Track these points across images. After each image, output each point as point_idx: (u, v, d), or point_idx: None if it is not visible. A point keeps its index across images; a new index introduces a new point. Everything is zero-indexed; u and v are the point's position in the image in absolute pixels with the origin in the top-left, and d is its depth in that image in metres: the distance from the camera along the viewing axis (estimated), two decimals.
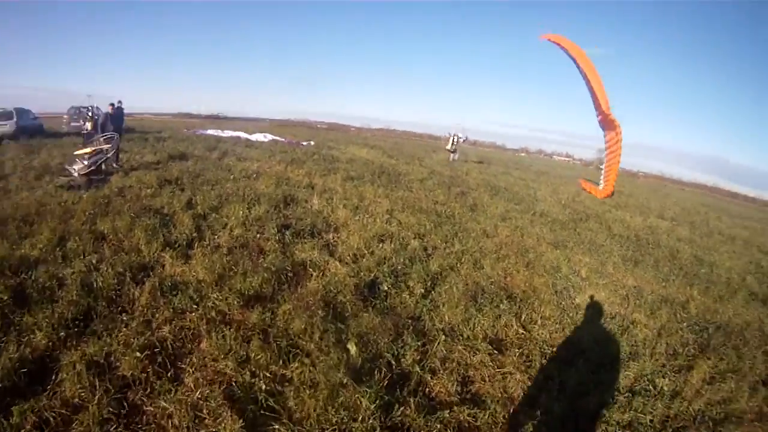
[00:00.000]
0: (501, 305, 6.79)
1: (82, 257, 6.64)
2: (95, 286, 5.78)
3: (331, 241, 8.77)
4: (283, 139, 31.24)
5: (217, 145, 23.39)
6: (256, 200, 10.87)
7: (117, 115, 20.58)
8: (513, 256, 9.50)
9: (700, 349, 6.58)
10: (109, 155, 13.51)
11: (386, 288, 6.86)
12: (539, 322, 6.56)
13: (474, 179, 22.43)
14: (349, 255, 7.97)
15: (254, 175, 14.54)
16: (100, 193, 10.58)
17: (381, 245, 8.66)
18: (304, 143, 30.58)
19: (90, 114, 21.83)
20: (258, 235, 8.46)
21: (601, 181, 25.95)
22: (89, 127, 20.27)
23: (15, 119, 22.99)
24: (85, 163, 12.57)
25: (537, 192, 21.34)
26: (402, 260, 8.02)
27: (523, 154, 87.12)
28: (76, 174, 12.38)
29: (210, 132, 32.36)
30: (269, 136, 31.56)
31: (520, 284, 8.03)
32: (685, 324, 7.44)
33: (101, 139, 13.99)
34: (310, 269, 7.17)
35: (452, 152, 31.23)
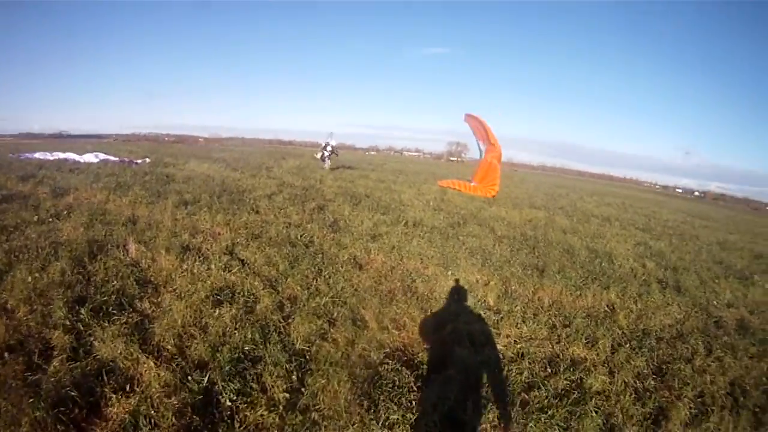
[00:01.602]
0: (412, 395, 4.50)
1: None
2: None
3: (148, 312, 5.99)
4: (116, 159, 26.97)
5: (36, 172, 18.90)
6: (53, 254, 7.77)
7: None
8: (400, 294, 7.24)
9: (658, 377, 5.61)
10: None
11: (229, 403, 4.23)
12: (469, 407, 4.40)
13: (329, 188, 19.44)
14: (170, 341, 5.22)
15: (65, 212, 11.09)
16: None
17: (218, 311, 5.97)
18: (138, 161, 26.68)
19: None
20: (42, 320, 5.56)
21: (475, 180, 25.38)
22: None
23: None
24: None
25: (402, 195, 19.08)
26: (250, 335, 5.39)
27: (373, 153, 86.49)
28: None
29: (37, 155, 27.22)
30: (101, 156, 27.14)
31: (423, 341, 5.83)
32: (627, 345, 6.32)
33: None
34: (109, 386, 4.36)
35: (322, 161, 29.64)
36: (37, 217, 10.47)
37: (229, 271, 7.40)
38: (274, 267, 7.83)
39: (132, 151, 36.11)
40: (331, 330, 5.74)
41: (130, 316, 5.70)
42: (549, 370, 5.34)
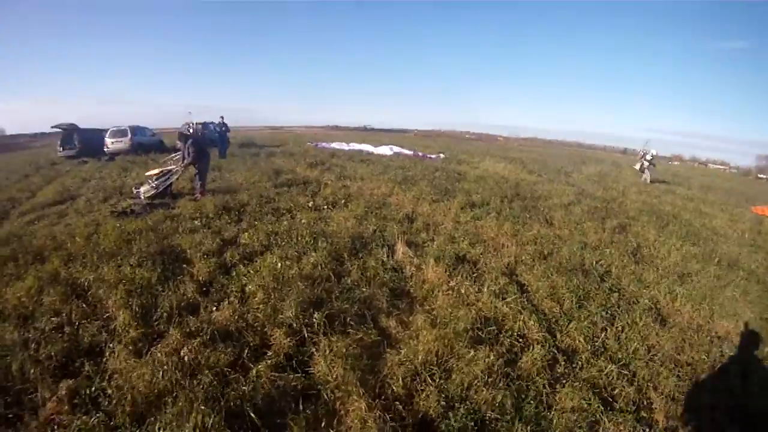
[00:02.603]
0: None
1: (45, 318, 5.33)
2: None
3: (392, 331, 5.19)
4: (409, 152, 28.12)
5: (328, 160, 20.71)
6: (312, 244, 7.67)
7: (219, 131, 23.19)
8: (706, 375, 5.05)
9: None
10: (176, 176, 12.25)
11: None
12: None
13: (633, 202, 16.41)
14: (400, 380, 4.22)
15: (343, 201, 11.34)
16: (135, 224, 8.98)
17: (473, 352, 4.69)
18: (433, 156, 27.15)
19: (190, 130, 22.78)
20: (272, 314, 5.26)
21: None
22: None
23: (129, 136, 24.63)
24: (153, 184, 11.74)
25: (713, 221, 14.87)
26: (500, 399, 4.04)
27: (676, 163, 75.54)
28: (142, 197, 11.70)
29: (333, 145, 30.74)
30: (395, 149, 28.55)
31: None
32: None
33: (172, 159, 13.01)
34: (302, 416, 3.68)
35: (641, 172, 26.14)
36: (312, 203, 10.87)
37: (502, 299, 6.14)
38: (557, 302, 6.38)
39: (427, 146, 37.31)
40: (606, 417, 4.04)
41: (369, 333, 4.98)
42: None
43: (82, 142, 24.67)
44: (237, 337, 4.90)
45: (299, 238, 7.96)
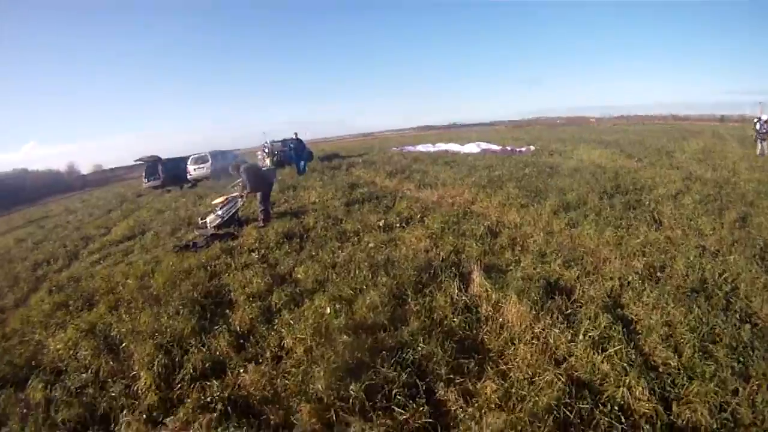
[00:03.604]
0: None
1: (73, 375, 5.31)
2: None
3: (451, 408, 3.88)
4: (498, 147, 26.90)
5: (410, 166, 19.80)
6: (372, 278, 6.57)
7: (296, 147, 22.75)
8: None
9: None
10: (241, 203, 11.99)
11: None
12: None
13: (747, 182, 13.13)
14: None
15: (419, 216, 10.17)
16: (190, 260, 8.87)
17: None
18: (522, 149, 25.66)
19: (267, 150, 24.36)
20: (301, 380, 4.37)
21: None
22: (269, 163, 22.88)
23: (210, 162, 25.67)
24: (219, 213, 11.66)
25: None
26: None
27: None
28: (209, 226, 11.43)
29: (419, 148, 30.41)
30: (483, 145, 27.63)
31: None
32: None
33: (238, 185, 12.37)
34: None
35: (755, 141, 21.56)
36: (383, 221, 9.91)
37: (602, 350, 4.46)
38: (674, 349, 4.54)
39: (517, 138, 35.65)
40: None
41: (418, 412, 3.76)
42: None
43: (166, 172, 25.74)
44: (258, 411, 4.09)
45: (357, 271, 6.91)
